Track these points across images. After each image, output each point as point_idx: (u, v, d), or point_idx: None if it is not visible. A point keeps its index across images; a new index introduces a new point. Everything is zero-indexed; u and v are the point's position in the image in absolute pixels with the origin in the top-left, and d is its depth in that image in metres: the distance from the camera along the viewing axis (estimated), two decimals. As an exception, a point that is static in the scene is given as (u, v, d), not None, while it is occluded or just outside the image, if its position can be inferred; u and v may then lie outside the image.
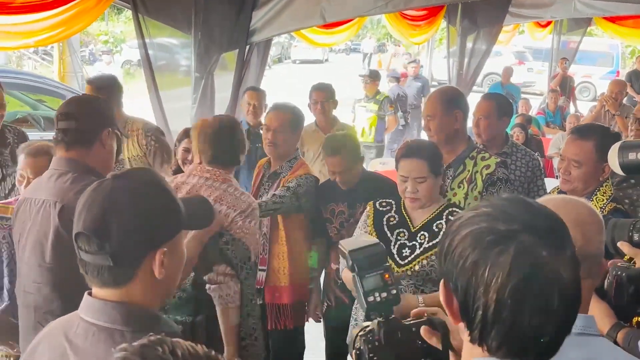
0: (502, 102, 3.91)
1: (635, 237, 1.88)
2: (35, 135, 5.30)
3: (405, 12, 7.90)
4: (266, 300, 3.55)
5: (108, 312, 1.42)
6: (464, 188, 3.07)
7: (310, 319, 3.77)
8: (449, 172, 3.09)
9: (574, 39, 13.16)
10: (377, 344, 1.40)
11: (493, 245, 1.04)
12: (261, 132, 4.01)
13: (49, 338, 1.49)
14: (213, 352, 1.01)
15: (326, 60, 30.47)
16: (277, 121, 3.61)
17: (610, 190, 2.74)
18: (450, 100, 3.21)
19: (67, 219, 2.14)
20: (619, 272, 1.81)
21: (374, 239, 1.59)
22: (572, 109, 11.55)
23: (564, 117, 9.85)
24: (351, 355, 1.47)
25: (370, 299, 1.45)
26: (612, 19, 10.67)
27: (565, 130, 8.33)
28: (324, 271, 3.74)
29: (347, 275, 2.50)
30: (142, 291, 1.45)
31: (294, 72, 25.06)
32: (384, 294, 1.46)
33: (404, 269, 2.68)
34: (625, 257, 1.95)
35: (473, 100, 4.11)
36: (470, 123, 3.46)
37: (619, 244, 1.89)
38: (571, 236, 1.09)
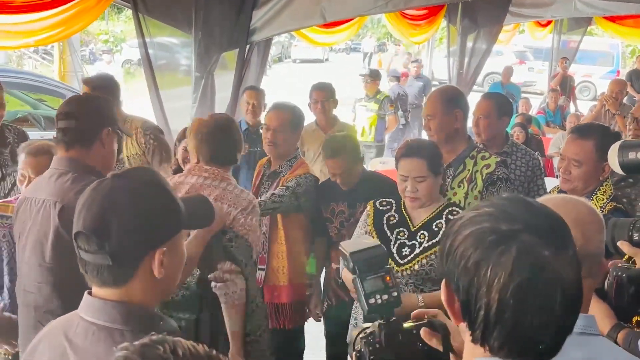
0: (502, 102, 3.91)
1: (635, 236, 1.88)
2: (35, 135, 5.29)
3: (406, 11, 7.91)
4: (265, 299, 3.54)
5: (108, 312, 1.42)
6: (464, 187, 3.07)
7: (310, 319, 3.77)
8: (449, 172, 3.09)
9: (574, 39, 13.16)
10: (377, 346, 1.40)
11: (495, 245, 1.04)
12: (261, 132, 4.01)
13: (49, 337, 1.49)
14: (214, 352, 1.01)
15: (326, 59, 30.44)
16: (277, 120, 3.61)
17: (611, 190, 2.74)
18: (451, 100, 3.21)
19: (67, 218, 2.13)
20: (620, 273, 1.81)
21: (375, 241, 1.58)
22: (572, 109, 11.55)
23: (564, 116, 9.86)
24: (351, 356, 1.47)
25: (371, 301, 1.45)
26: (613, 19, 10.67)
27: (565, 130, 8.33)
28: (324, 270, 3.74)
29: (346, 276, 2.49)
30: (141, 290, 1.45)
31: (294, 71, 25.06)
32: (385, 296, 1.46)
33: (403, 268, 2.68)
34: (625, 256, 1.95)
35: (473, 99, 4.11)
36: (470, 122, 3.46)
37: (619, 244, 1.89)
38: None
